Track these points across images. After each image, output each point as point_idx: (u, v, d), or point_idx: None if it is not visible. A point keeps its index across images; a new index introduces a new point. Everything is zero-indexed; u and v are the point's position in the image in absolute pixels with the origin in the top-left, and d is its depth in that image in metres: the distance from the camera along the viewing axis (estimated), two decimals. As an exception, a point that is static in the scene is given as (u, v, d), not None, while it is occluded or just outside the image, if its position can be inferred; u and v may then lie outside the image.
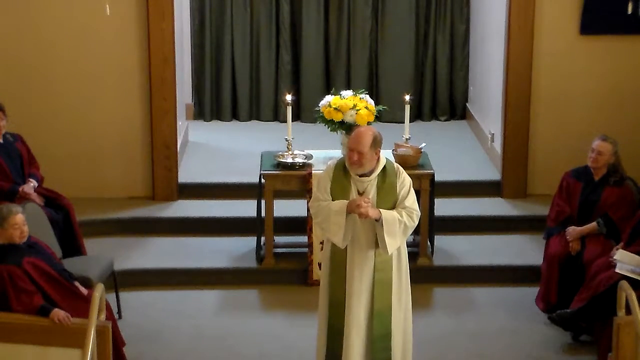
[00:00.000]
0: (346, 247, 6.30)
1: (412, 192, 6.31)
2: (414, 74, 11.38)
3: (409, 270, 6.43)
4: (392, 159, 8.21)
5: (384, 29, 11.30)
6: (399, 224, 6.19)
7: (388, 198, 6.24)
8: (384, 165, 6.27)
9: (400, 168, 6.35)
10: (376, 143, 6.18)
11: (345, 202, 6.21)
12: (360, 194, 6.24)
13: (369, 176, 6.24)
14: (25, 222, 6.59)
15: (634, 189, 7.70)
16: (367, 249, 6.28)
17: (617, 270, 7.03)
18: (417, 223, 6.29)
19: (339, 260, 6.34)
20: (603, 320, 6.90)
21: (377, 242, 6.25)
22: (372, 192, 6.24)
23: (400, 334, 6.39)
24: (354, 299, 6.28)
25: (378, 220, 6.18)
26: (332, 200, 6.27)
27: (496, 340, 7.42)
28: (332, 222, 6.22)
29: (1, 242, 6.50)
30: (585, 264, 7.48)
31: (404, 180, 6.29)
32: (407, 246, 8.40)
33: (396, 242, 6.22)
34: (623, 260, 7.06)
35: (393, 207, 6.24)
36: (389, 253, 6.23)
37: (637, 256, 7.06)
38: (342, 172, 6.30)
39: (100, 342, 6.19)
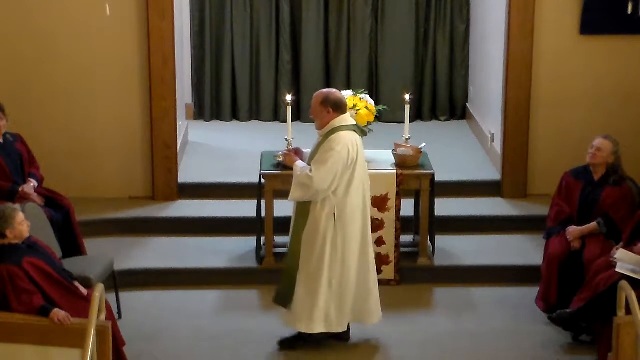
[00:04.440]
0: None
1: (327, 159, 6.85)
2: (414, 74, 11.38)
3: (330, 234, 6.95)
4: (393, 158, 8.24)
5: (384, 29, 11.30)
6: (295, 176, 7.00)
7: (314, 154, 6.99)
8: (333, 129, 6.92)
9: (339, 137, 6.89)
10: (327, 102, 6.94)
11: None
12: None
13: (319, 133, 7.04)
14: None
15: (634, 189, 7.70)
16: None
17: (617, 269, 7.02)
18: (312, 185, 6.84)
19: None
20: (603, 320, 6.90)
21: None
22: (314, 146, 7.05)
23: (306, 277, 7.02)
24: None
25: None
26: None
27: (496, 340, 7.42)
28: None
29: (8, 242, 6.51)
30: (585, 264, 7.48)
31: (328, 146, 6.88)
32: (407, 246, 8.49)
33: (295, 192, 6.97)
34: (623, 259, 7.05)
35: None
36: (289, 199, 7.04)
37: (637, 256, 7.06)
38: None
39: (100, 342, 6.19)
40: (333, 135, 6.92)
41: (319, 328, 7.08)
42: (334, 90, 7.12)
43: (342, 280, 7.06)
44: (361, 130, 7.16)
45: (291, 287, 7.10)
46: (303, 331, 7.13)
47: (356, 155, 6.94)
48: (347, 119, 7.03)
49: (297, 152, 7.37)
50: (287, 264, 7.16)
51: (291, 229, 7.16)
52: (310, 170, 6.89)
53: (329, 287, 7.03)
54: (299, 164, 7.08)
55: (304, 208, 7.03)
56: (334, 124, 6.96)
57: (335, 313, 7.10)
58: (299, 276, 7.07)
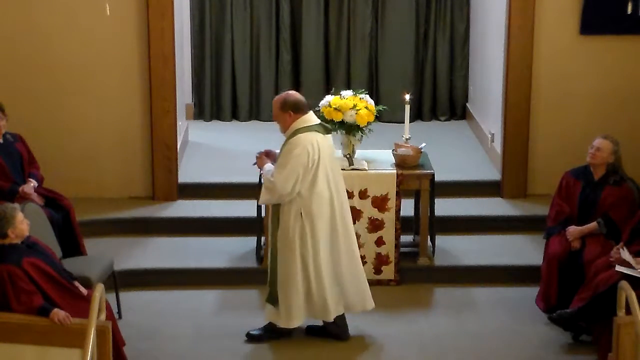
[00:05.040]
0: None
1: (286, 163, 6.95)
2: (414, 74, 11.38)
3: (298, 234, 7.05)
4: (393, 158, 8.24)
5: (384, 29, 11.30)
6: (263, 179, 7.10)
7: (278, 158, 7.09)
8: (294, 131, 7.01)
9: (298, 140, 6.98)
10: (285, 106, 7.05)
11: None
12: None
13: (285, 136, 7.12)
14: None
15: (634, 189, 7.70)
16: None
17: (617, 268, 7.02)
18: (274, 189, 6.95)
19: None
20: (603, 320, 6.90)
21: None
22: (280, 149, 7.14)
23: (283, 276, 7.14)
24: None
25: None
26: None
27: (496, 340, 7.42)
28: None
29: (8, 241, 6.50)
30: (585, 264, 7.47)
31: (287, 149, 6.99)
32: (407, 246, 8.49)
33: (262, 195, 7.08)
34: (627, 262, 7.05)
35: None
36: (258, 202, 7.35)
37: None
38: None
39: (100, 342, 6.19)
40: (292, 139, 7.00)
41: (296, 323, 7.24)
42: (291, 92, 7.22)
43: (317, 274, 7.15)
44: (325, 128, 7.19)
45: (275, 287, 7.22)
46: (282, 326, 7.25)
47: (318, 155, 6.99)
48: (309, 119, 7.10)
49: (269, 154, 7.41)
50: (269, 265, 7.28)
51: (268, 231, 7.26)
52: (272, 175, 7.00)
53: (305, 284, 7.14)
54: (267, 167, 7.20)
55: (275, 210, 7.16)
56: (295, 126, 7.05)
57: (314, 306, 7.22)
58: (278, 276, 7.18)
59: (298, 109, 7.06)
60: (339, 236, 7.19)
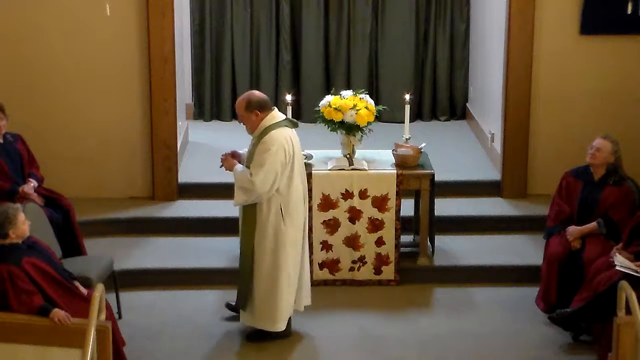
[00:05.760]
0: None
1: (265, 160, 6.92)
2: (414, 74, 11.39)
3: (281, 231, 7.05)
4: (393, 158, 8.25)
5: (384, 29, 11.31)
6: (235, 180, 7.04)
7: (250, 158, 7.03)
8: (264, 129, 6.98)
9: (272, 138, 6.96)
10: (250, 106, 7.00)
11: None
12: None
13: (252, 136, 7.09)
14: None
15: (634, 189, 7.69)
16: None
17: (617, 268, 7.02)
18: (254, 189, 6.91)
19: None
20: (603, 321, 6.90)
21: None
22: (249, 149, 7.11)
23: (263, 277, 7.10)
24: None
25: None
26: None
27: (496, 340, 7.42)
28: None
29: (9, 241, 6.50)
30: (585, 264, 7.47)
31: (263, 146, 6.95)
32: (407, 246, 8.49)
33: (238, 196, 7.01)
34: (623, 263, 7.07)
35: None
36: (234, 204, 7.07)
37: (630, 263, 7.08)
38: None
39: (100, 342, 6.19)
40: (265, 137, 6.98)
41: (284, 325, 7.23)
42: (252, 91, 7.19)
43: (297, 271, 7.20)
44: (292, 122, 7.20)
45: (248, 289, 7.18)
46: (268, 330, 7.25)
47: (292, 150, 7.03)
48: (276, 115, 7.09)
49: (234, 155, 7.36)
50: (241, 267, 7.21)
51: (240, 232, 7.20)
52: (250, 174, 6.95)
53: (289, 284, 7.15)
54: (238, 167, 7.14)
55: (250, 210, 7.10)
56: (264, 125, 7.02)
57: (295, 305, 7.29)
58: (256, 278, 7.15)
59: (263, 108, 7.04)
60: (305, 231, 7.25)
